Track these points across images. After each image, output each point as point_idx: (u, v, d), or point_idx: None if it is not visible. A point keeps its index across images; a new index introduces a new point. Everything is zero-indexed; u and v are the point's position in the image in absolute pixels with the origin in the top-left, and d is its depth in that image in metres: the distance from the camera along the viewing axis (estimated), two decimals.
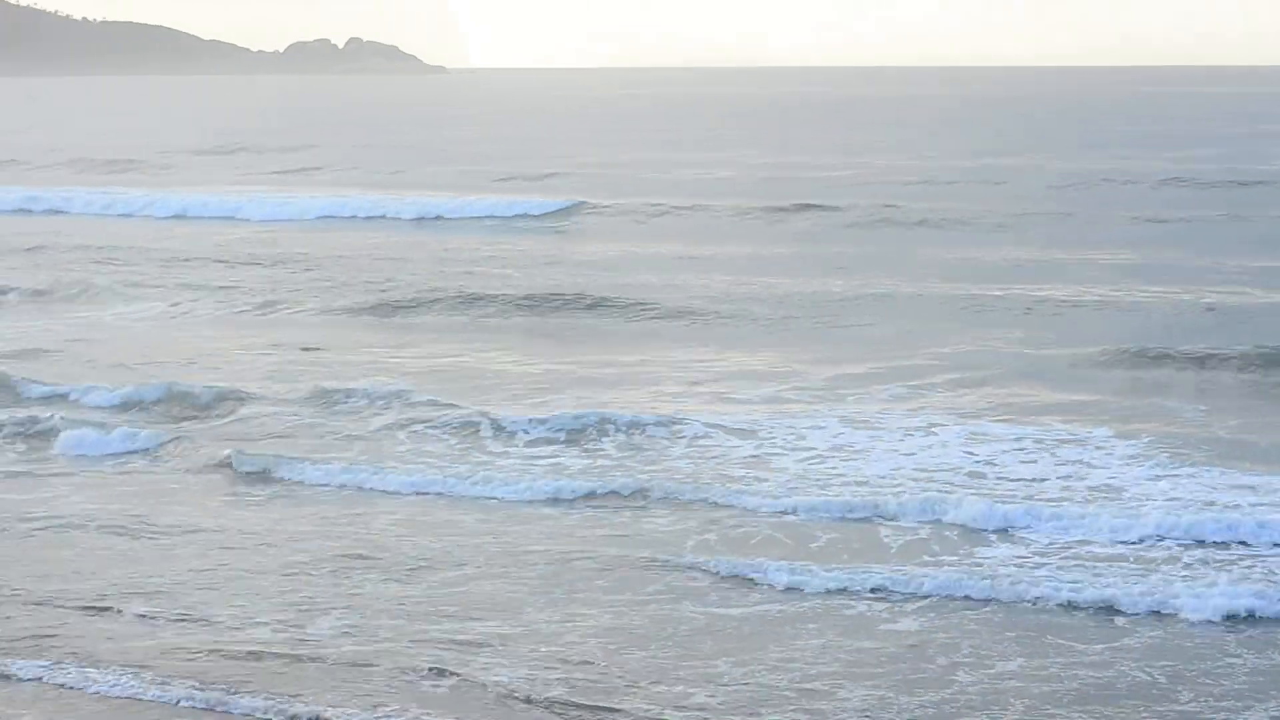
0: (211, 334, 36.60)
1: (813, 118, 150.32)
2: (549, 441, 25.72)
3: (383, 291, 41.90)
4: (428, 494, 23.22)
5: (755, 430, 26.01)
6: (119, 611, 18.15)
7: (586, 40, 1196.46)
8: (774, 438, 25.57)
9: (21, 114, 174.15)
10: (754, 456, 24.71)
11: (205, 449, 25.32)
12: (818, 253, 49.14)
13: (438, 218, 60.49)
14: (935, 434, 25.69)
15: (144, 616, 17.99)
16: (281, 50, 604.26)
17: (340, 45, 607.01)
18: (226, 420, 27.30)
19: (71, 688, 16.12)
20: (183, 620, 17.88)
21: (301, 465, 24.35)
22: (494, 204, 61.59)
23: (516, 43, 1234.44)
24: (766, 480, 23.32)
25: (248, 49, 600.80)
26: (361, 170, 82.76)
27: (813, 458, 24.50)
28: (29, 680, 16.31)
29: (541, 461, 24.66)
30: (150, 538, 21.04)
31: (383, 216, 60.90)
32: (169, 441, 25.77)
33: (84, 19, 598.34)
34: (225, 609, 18.23)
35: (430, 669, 16.28)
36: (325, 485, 23.62)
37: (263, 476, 23.97)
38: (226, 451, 24.80)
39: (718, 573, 19.42)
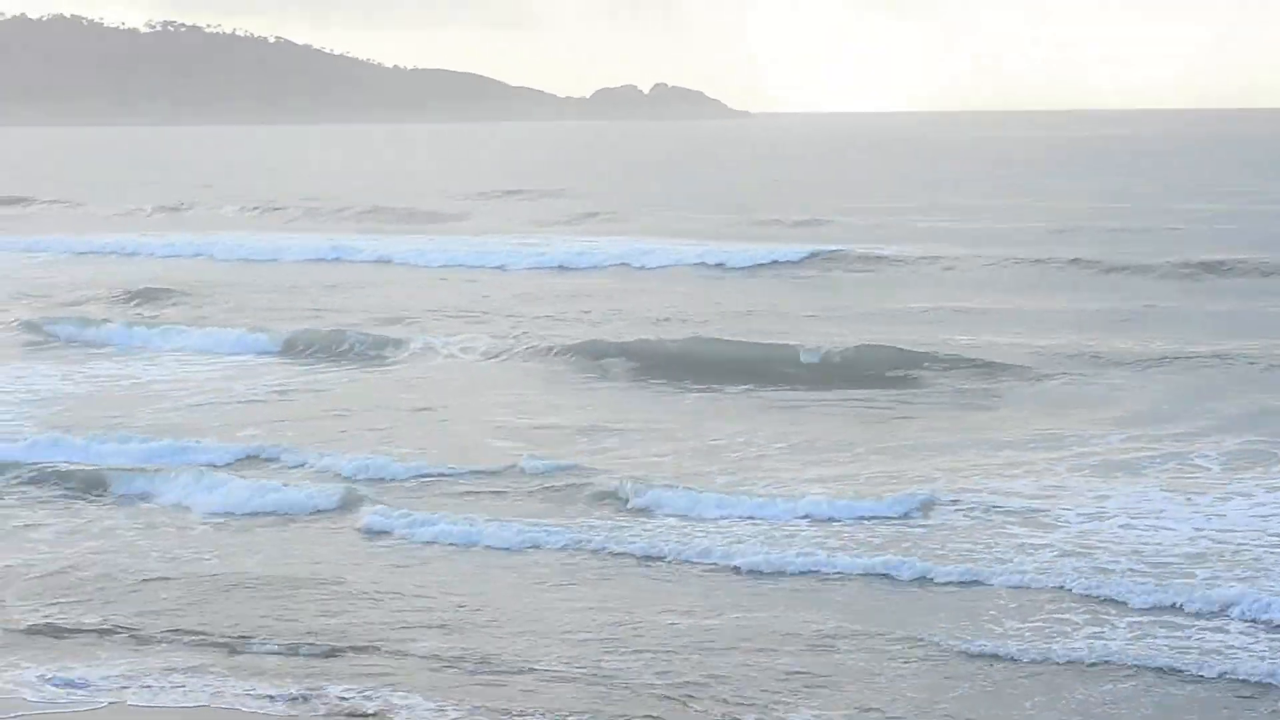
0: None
1: (1131, 162, 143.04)
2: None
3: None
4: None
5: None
6: None
7: (902, 83, 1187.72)
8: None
9: (331, 159, 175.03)
10: None
11: None
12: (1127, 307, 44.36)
13: (719, 264, 56.52)
14: None
15: None
16: (588, 96, 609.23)
17: (645, 90, 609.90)
18: None
19: None
20: None
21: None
22: (772, 251, 57.65)
23: (823, 86, 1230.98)
24: None
25: (554, 95, 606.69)
26: (653, 216, 79.38)
27: None
28: None
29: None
30: None
31: (674, 264, 56.90)
32: None
33: (395, 67, 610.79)
34: None
35: None
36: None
37: None
38: None
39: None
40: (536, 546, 21.66)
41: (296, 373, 36.85)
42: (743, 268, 56.02)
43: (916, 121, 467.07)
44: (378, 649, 17.77)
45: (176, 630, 18.54)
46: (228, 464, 26.53)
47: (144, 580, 20.39)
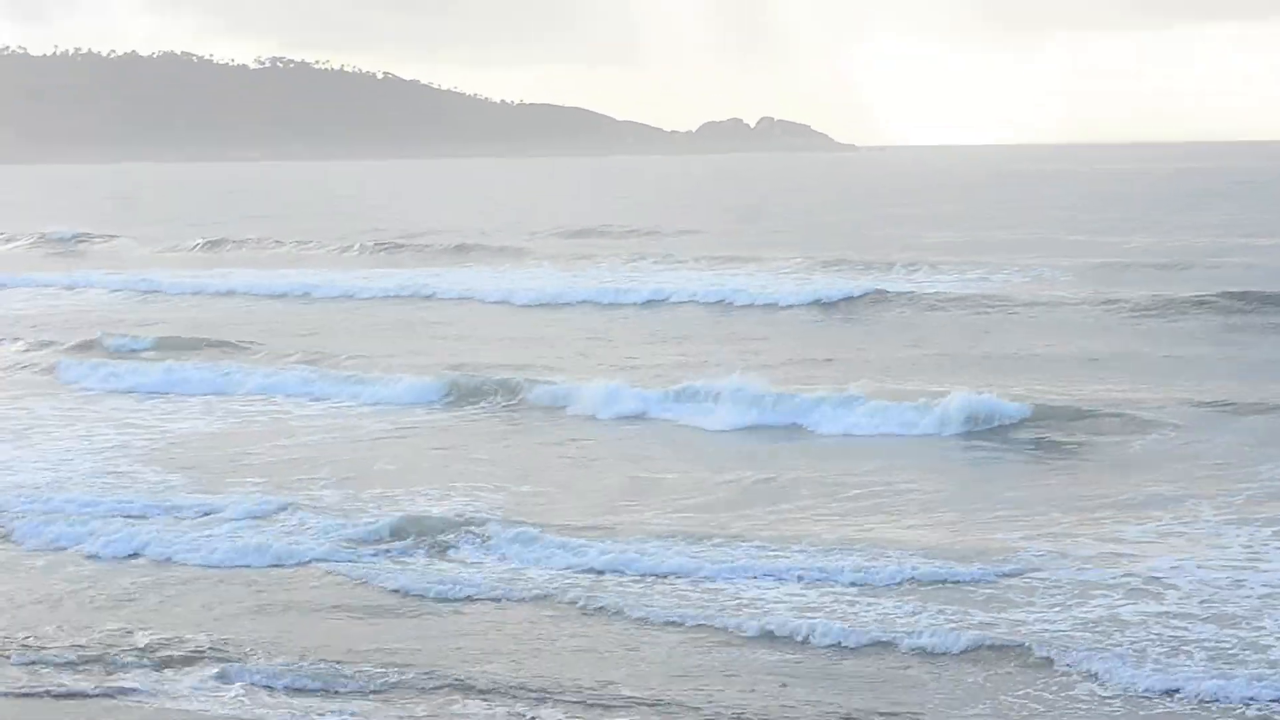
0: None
1: (1247, 194, 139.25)
2: None
3: None
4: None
5: None
6: None
7: (1011, 116, 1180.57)
8: None
9: (441, 193, 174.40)
10: None
11: None
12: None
13: (815, 301, 54.41)
14: None
15: None
16: (694, 130, 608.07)
17: (752, 124, 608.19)
18: None
19: None
20: None
21: None
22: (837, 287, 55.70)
23: (930, 119, 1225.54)
24: None
25: (661, 129, 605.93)
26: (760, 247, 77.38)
27: None
28: None
29: None
30: None
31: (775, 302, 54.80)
32: None
33: (503, 101, 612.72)
34: None
35: None
36: None
37: None
38: None
39: None
40: None
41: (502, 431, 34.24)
42: (815, 303, 54.14)
43: (1026, 154, 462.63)
44: None
45: None
46: None
47: None
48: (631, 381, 37.11)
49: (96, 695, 17.72)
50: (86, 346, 45.10)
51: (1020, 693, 17.27)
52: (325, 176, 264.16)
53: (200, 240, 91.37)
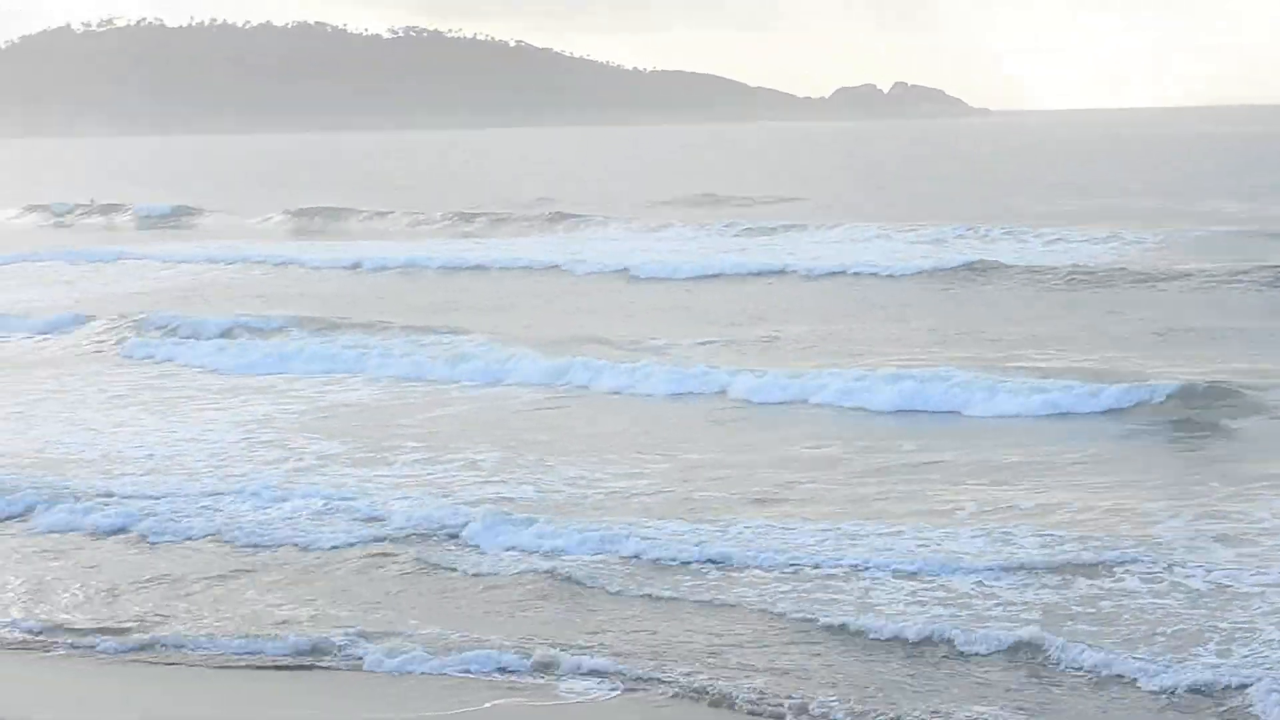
0: None
1: None
2: None
3: None
4: None
5: None
6: None
7: (1148, 78, 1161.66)
8: None
9: (574, 160, 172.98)
10: None
11: None
12: None
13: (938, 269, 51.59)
14: None
15: None
16: (828, 96, 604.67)
17: (885, 90, 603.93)
18: None
19: None
20: None
21: None
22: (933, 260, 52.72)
23: (1066, 82, 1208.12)
24: None
25: (794, 95, 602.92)
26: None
27: None
28: None
29: None
30: None
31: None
32: None
33: (635, 69, 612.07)
34: None
35: None
36: None
37: None
38: None
39: None
40: None
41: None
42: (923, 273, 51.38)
43: (1164, 117, 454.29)
44: None
45: None
46: None
47: None
48: (775, 361, 34.53)
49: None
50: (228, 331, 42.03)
51: None
52: (454, 145, 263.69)
53: (326, 208, 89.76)
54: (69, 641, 17.57)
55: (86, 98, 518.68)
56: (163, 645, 17.39)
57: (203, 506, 22.88)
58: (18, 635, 17.76)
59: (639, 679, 16.00)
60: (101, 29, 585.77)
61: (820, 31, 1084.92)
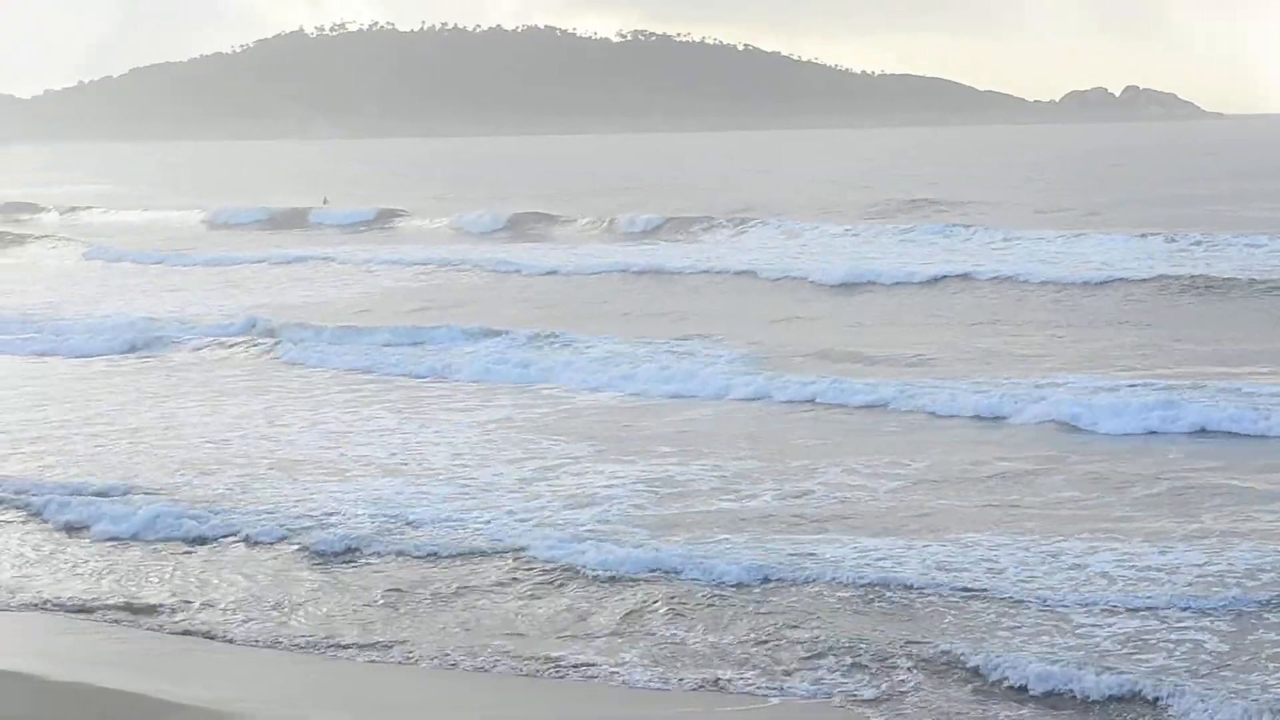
0: None
1: None
2: None
3: None
4: None
5: None
6: None
7: None
8: None
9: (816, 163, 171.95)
10: None
11: None
12: None
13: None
14: None
15: None
16: (1057, 100, 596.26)
17: (1116, 93, 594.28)
18: None
19: None
20: None
21: None
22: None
23: None
24: None
25: (1023, 99, 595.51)
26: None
27: None
28: None
29: None
30: None
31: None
32: None
33: (863, 72, 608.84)
34: None
35: None
36: None
37: None
38: None
39: None
40: None
41: None
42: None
43: None
44: None
45: None
46: None
47: None
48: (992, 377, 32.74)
49: None
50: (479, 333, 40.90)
51: None
52: (682, 149, 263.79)
53: (535, 214, 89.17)
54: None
55: (318, 101, 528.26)
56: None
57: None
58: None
59: None
60: (334, 33, 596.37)
61: (1050, 35, 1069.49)
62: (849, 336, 40.22)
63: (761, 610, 17.71)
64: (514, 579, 19.21)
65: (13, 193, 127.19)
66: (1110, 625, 16.93)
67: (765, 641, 16.80)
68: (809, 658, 16.27)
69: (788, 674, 15.87)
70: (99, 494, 23.26)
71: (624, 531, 20.78)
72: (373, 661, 16.70)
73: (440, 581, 19.13)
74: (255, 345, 39.95)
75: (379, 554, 20.25)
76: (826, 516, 21.62)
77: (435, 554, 20.12)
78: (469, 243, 74.26)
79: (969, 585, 18.25)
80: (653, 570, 19.06)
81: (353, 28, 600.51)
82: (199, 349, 39.92)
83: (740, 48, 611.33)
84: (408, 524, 21.48)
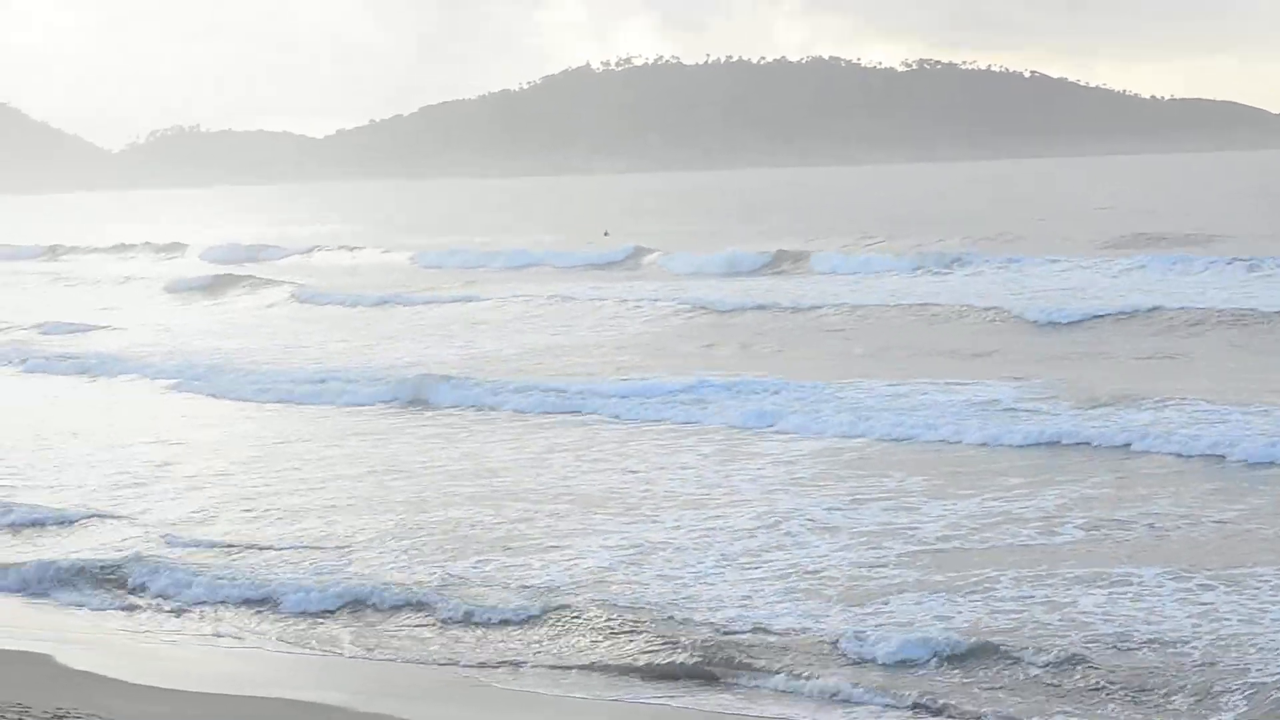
0: None
1: None
2: None
3: None
4: None
5: None
6: None
7: None
8: None
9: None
10: None
11: None
12: None
13: None
14: None
15: None
16: None
17: None
18: None
19: None
20: None
21: None
22: None
23: None
24: None
25: None
26: None
27: None
28: None
29: None
30: None
31: None
32: None
33: (1151, 97, 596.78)
34: None
35: None
36: None
37: None
38: None
39: None
40: None
41: None
42: None
43: None
44: None
45: None
46: None
47: None
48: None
49: None
50: None
51: None
52: (966, 178, 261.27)
53: (787, 250, 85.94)
54: None
55: (603, 135, 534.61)
56: None
57: None
58: None
59: None
60: (620, 68, 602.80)
61: None
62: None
63: None
64: None
65: (267, 232, 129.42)
66: None
67: None
68: None
69: None
70: None
71: None
72: None
73: None
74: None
75: None
76: None
77: None
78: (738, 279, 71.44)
79: None
80: None
81: (638, 62, 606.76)
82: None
83: (1026, 75, 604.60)
84: None
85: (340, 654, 18.57)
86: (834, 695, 16.14)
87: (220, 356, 47.10)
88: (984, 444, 28.95)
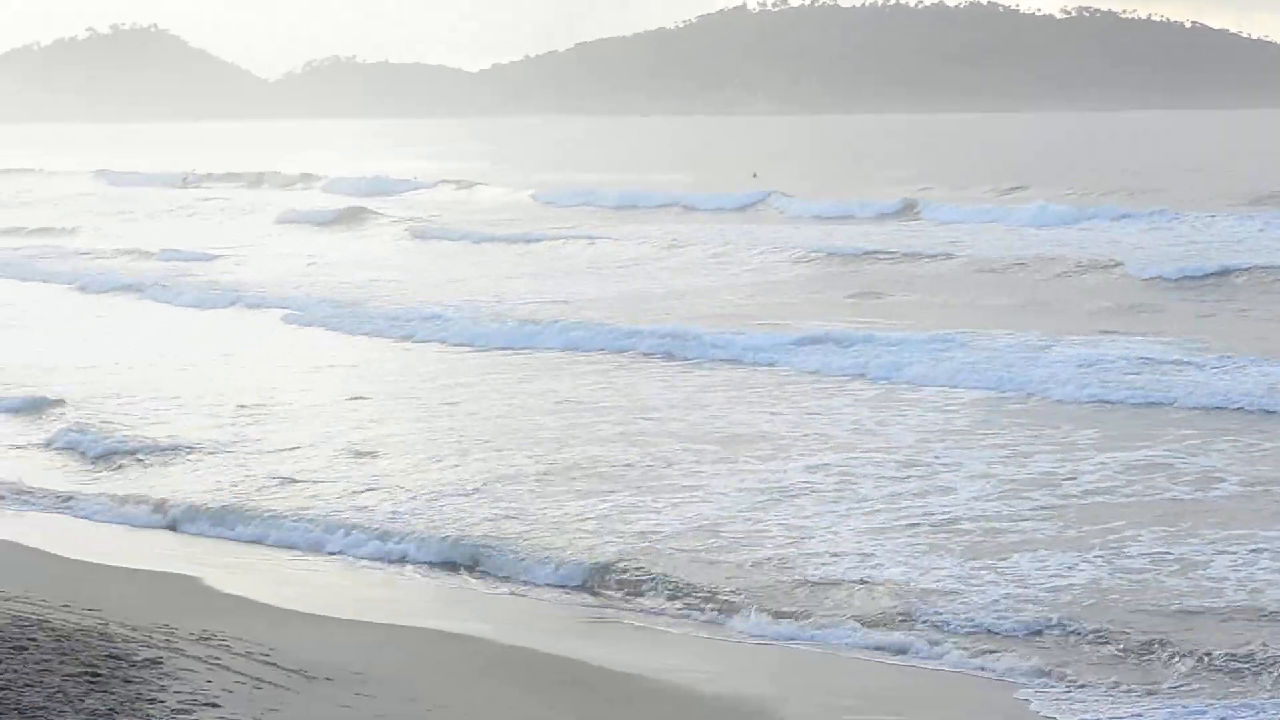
0: None
1: None
2: None
3: None
4: None
5: None
6: None
7: None
8: None
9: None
10: None
11: None
12: None
13: None
14: None
15: None
16: None
17: None
18: None
19: None
20: None
21: None
22: None
23: None
24: None
25: None
26: None
27: None
28: None
29: None
30: None
31: None
32: None
33: None
34: None
35: None
36: None
37: None
38: None
39: None
40: None
41: None
42: None
43: None
44: None
45: None
46: None
47: None
48: None
49: None
50: None
51: None
52: (1119, 127, 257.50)
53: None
54: None
55: (757, 77, 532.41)
56: None
57: None
58: None
59: None
60: (776, 9, 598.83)
61: None
62: None
63: None
64: None
65: (402, 165, 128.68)
66: None
67: None
68: None
69: None
70: None
71: None
72: None
73: None
74: None
75: None
76: None
77: None
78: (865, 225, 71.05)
79: None
80: None
81: (795, 3, 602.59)
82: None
83: (1187, 24, 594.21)
84: None
85: (483, 589, 18.91)
86: (901, 651, 16.21)
87: (347, 290, 47.61)
88: (1150, 403, 28.04)
